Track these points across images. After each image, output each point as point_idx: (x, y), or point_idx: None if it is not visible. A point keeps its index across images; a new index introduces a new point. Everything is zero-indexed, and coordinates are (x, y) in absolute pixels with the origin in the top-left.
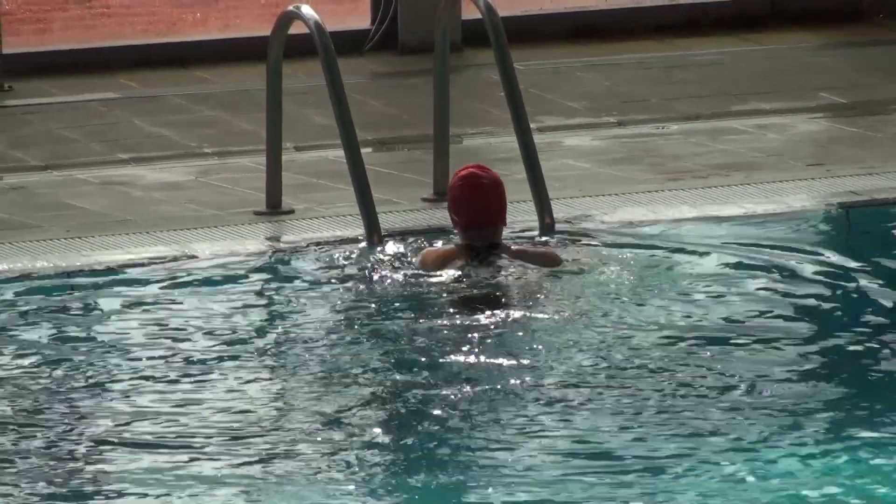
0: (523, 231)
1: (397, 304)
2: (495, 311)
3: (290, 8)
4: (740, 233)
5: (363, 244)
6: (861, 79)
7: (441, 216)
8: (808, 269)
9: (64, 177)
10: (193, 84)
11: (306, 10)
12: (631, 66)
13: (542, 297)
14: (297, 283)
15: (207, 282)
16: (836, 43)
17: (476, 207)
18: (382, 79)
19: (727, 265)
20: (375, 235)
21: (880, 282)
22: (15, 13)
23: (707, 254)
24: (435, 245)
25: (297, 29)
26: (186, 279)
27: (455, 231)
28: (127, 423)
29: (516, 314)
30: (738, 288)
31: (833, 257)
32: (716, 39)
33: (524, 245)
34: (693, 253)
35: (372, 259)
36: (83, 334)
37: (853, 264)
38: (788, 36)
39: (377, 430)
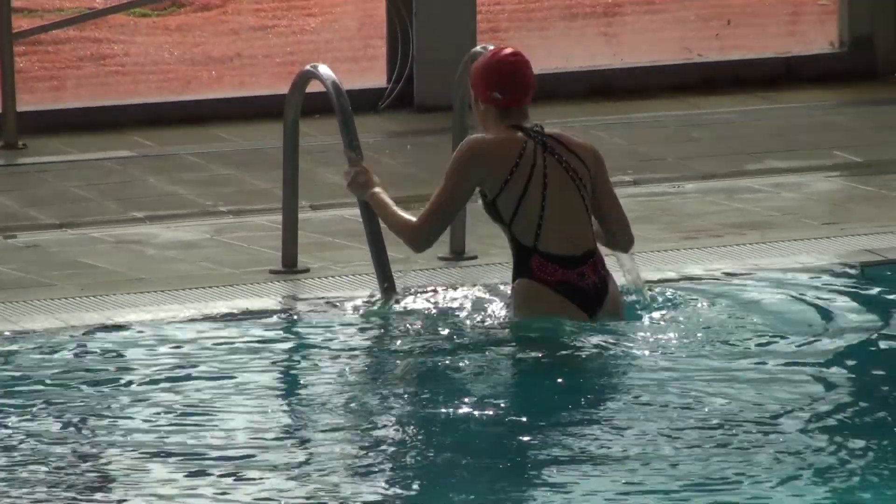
0: None
1: (414, 363)
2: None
3: (308, 67)
4: (755, 291)
5: (379, 302)
6: (876, 137)
7: (460, 275)
8: (824, 328)
9: (78, 235)
10: (209, 142)
11: (323, 69)
12: (647, 125)
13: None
14: (312, 341)
15: (222, 341)
16: (851, 102)
17: (526, 84)
18: (398, 137)
19: (742, 323)
20: (391, 294)
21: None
22: (29, 71)
23: (722, 313)
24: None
25: (312, 87)
26: (201, 338)
27: (481, 110)
28: (137, 483)
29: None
30: (755, 345)
31: (848, 316)
32: (731, 98)
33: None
34: (709, 310)
35: (388, 318)
36: (96, 392)
37: (868, 323)
38: (803, 95)
39: (395, 490)
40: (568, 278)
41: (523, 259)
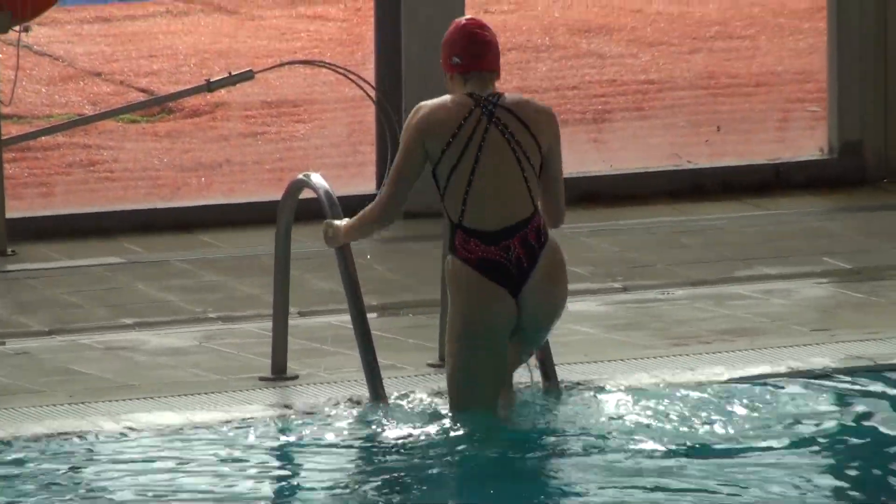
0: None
1: (404, 469)
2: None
3: (301, 176)
4: (744, 397)
5: (369, 408)
6: (866, 244)
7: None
8: (813, 434)
9: (68, 342)
10: (198, 248)
11: (316, 178)
12: (637, 232)
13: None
14: (302, 448)
15: (212, 448)
16: (840, 208)
17: (484, 45)
18: (388, 243)
19: (731, 431)
20: (382, 400)
21: (886, 448)
22: (19, 177)
23: (710, 419)
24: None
25: (303, 195)
26: (191, 445)
27: (449, 82)
28: None
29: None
30: (741, 453)
31: (838, 422)
32: (720, 204)
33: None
34: (696, 418)
35: (378, 424)
36: (86, 501)
37: (858, 429)
38: (793, 201)
39: None
40: (489, 254)
41: (451, 234)
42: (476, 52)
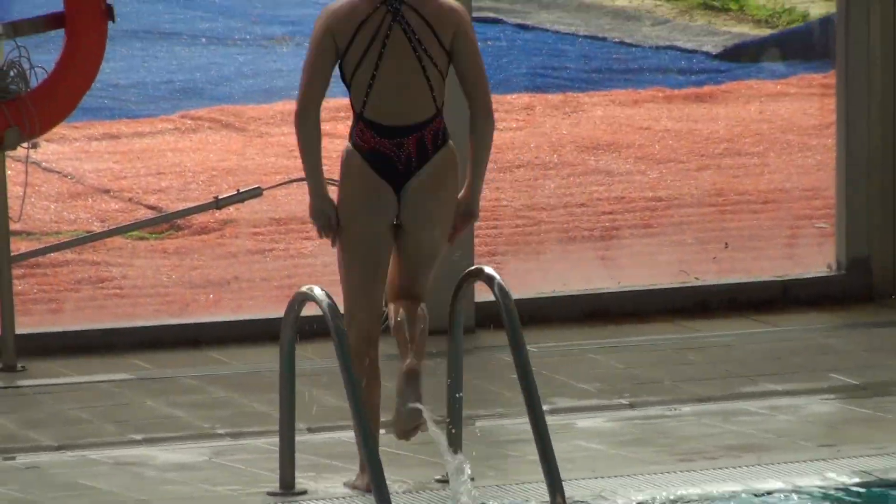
0: None
1: None
2: None
3: (303, 289)
4: None
5: None
6: (872, 360)
7: (452, 495)
8: None
9: (77, 457)
10: (206, 365)
11: (318, 291)
12: (643, 349)
13: None
14: None
15: None
16: (847, 324)
17: None
18: (396, 359)
19: None
20: None
21: None
22: (28, 293)
23: None
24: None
25: (309, 310)
26: None
27: None
28: None
29: None
30: None
31: None
32: (727, 321)
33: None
34: None
35: None
36: None
37: None
38: (799, 317)
39: None
40: (380, 147)
41: (353, 125)
42: None
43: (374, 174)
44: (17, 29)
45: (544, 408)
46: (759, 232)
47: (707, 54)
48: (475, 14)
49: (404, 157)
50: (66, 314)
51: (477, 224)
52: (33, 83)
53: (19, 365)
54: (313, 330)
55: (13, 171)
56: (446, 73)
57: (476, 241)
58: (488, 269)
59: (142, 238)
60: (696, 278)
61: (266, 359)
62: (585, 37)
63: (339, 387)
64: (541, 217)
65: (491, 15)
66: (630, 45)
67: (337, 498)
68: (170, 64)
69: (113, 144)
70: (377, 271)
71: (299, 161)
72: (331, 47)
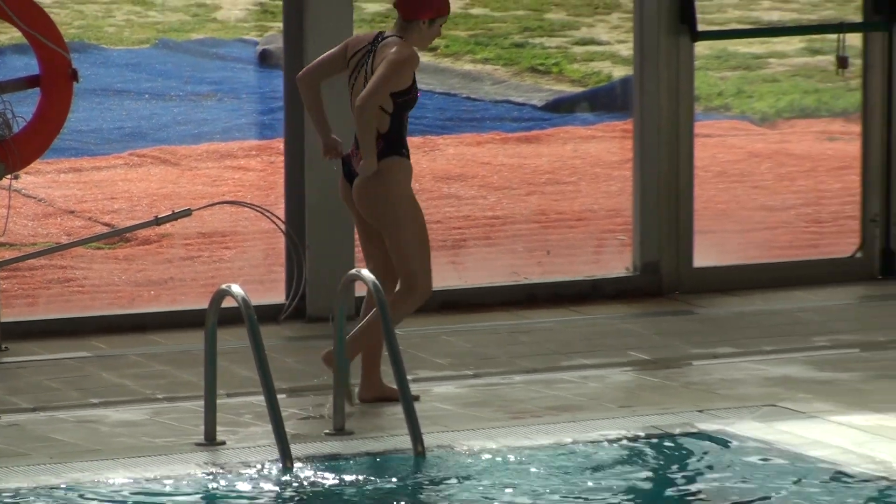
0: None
1: None
2: None
3: (223, 287)
4: (567, 459)
5: (279, 467)
6: (661, 341)
7: (341, 447)
8: (618, 488)
9: (48, 417)
10: (148, 345)
11: (236, 288)
12: (485, 332)
13: None
14: (226, 495)
15: (157, 497)
16: (642, 313)
17: None
18: (294, 342)
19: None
20: (288, 461)
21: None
22: (11, 290)
23: (540, 475)
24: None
25: (228, 303)
26: (141, 495)
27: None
28: None
29: None
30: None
31: (639, 480)
32: (549, 311)
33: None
34: (523, 480)
35: (285, 479)
36: None
37: (655, 486)
38: (605, 308)
39: None
40: (350, 150)
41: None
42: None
43: (342, 171)
44: (3, 87)
45: (408, 377)
46: (573, 242)
47: (534, 106)
48: None
49: (351, 168)
50: (40, 307)
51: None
52: (15, 129)
53: (3, 346)
54: (231, 318)
55: None
56: (386, 105)
57: (355, 248)
58: (365, 271)
59: (98, 248)
60: (526, 278)
61: (194, 340)
62: (440, 93)
63: (251, 361)
64: None
65: None
66: (475, 99)
67: (248, 447)
68: (121, 114)
69: (77, 176)
70: (363, 246)
71: (220, 188)
72: (343, 58)
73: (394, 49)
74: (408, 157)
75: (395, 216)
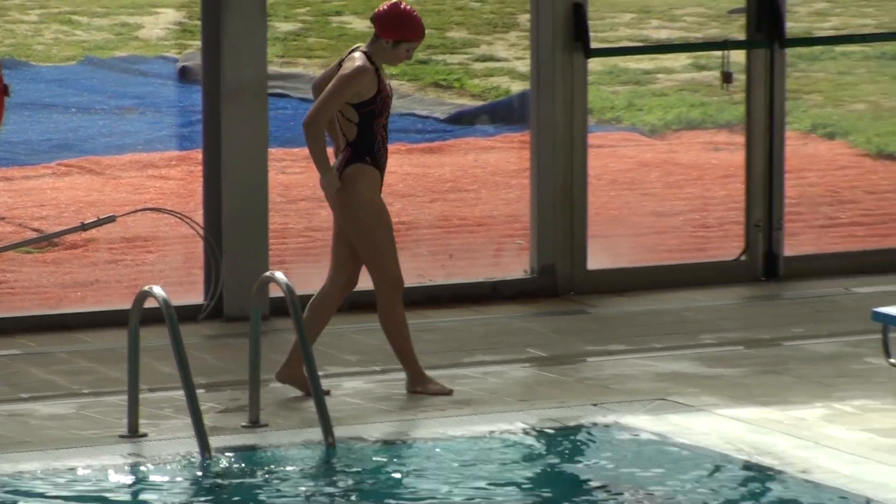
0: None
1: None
2: None
3: (145, 288)
4: (470, 450)
5: (198, 458)
6: (557, 339)
7: (256, 438)
8: (518, 477)
9: None
10: (75, 343)
11: (157, 290)
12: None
13: None
14: (148, 488)
15: (83, 484)
16: (539, 312)
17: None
18: (212, 340)
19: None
20: (207, 452)
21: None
22: None
23: (444, 466)
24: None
25: (150, 304)
26: (68, 482)
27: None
28: None
29: None
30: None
31: (538, 469)
32: (452, 311)
33: None
34: (428, 469)
35: (204, 469)
36: None
37: (553, 475)
38: (505, 308)
39: None
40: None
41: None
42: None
43: None
44: None
45: (319, 373)
46: (474, 246)
47: (437, 119)
48: (270, 91)
49: None
50: None
51: (271, 240)
52: None
53: None
54: (152, 317)
55: None
56: (350, 115)
57: (270, 252)
58: (279, 274)
59: (28, 252)
60: (430, 280)
61: (118, 338)
62: None
63: (171, 358)
64: (317, 236)
65: (280, 91)
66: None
67: (168, 439)
68: (49, 127)
69: (8, 184)
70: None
71: (143, 196)
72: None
73: (348, 64)
74: (375, 163)
75: (360, 221)
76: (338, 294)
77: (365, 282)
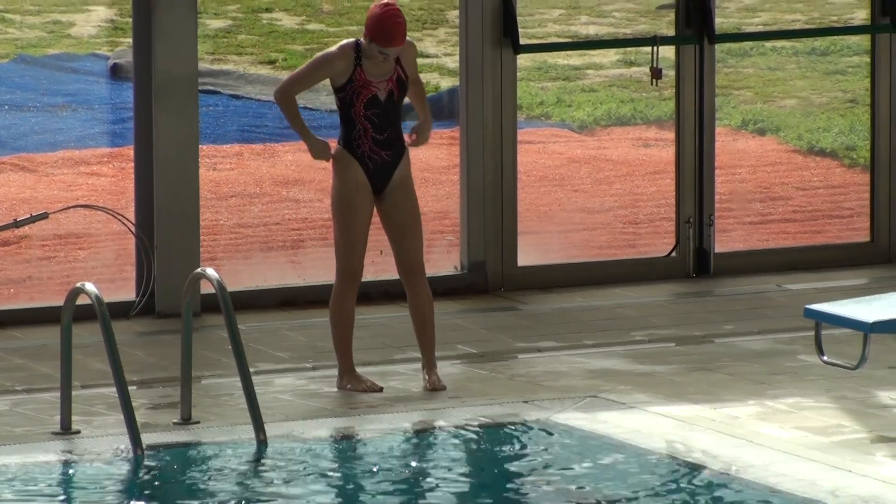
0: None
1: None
2: None
3: (77, 285)
4: (401, 446)
5: (130, 455)
6: (488, 335)
7: (188, 435)
8: (449, 474)
9: None
10: (8, 340)
11: (89, 286)
12: (321, 327)
13: None
14: (79, 484)
15: (16, 482)
16: (469, 309)
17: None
18: (144, 336)
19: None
20: (139, 449)
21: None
22: None
23: (375, 462)
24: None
25: (82, 301)
26: (1, 481)
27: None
28: None
29: None
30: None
31: (469, 466)
32: (383, 307)
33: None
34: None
35: (136, 465)
36: None
37: (484, 471)
38: (436, 304)
39: None
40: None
41: None
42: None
43: None
44: None
45: (250, 370)
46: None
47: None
48: (200, 88)
49: None
50: None
51: (202, 237)
52: None
53: None
54: (85, 314)
55: None
56: (335, 99)
57: (201, 249)
58: (210, 270)
59: None
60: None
61: (51, 335)
62: None
63: (104, 355)
64: (248, 232)
65: (211, 88)
66: (312, 109)
67: (101, 436)
68: None
69: None
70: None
71: (75, 193)
72: None
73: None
74: (351, 151)
75: (332, 203)
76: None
77: (293, 277)
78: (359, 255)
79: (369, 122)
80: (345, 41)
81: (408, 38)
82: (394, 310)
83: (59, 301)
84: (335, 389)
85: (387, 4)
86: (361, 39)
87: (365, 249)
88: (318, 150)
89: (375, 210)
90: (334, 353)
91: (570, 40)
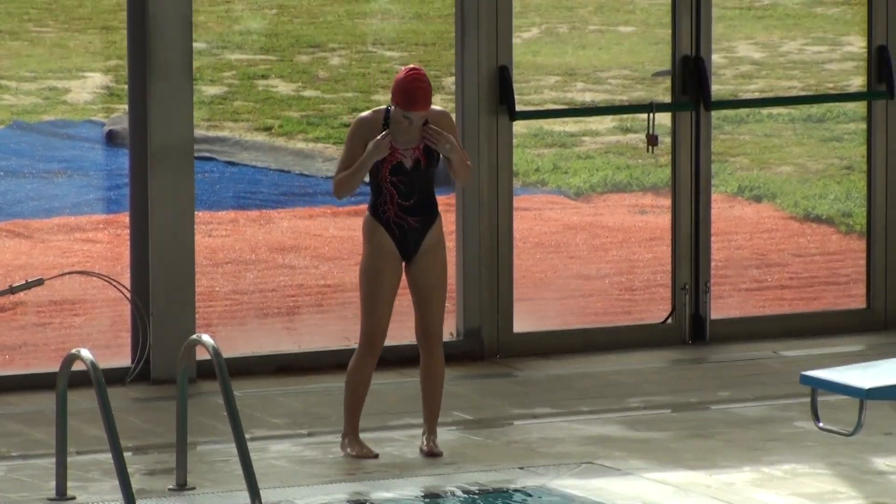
0: None
1: None
2: None
3: (73, 351)
4: None
5: None
6: (483, 402)
7: (183, 501)
8: None
9: None
10: (3, 406)
11: (85, 352)
12: (317, 393)
13: None
14: None
15: None
16: (465, 376)
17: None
18: (140, 402)
19: None
20: None
21: None
22: None
23: None
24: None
25: (78, 367)
26: None
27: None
28: None
29: None
30: None
31: None
32: (378, 374)
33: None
34: None
35: None
36: None
37: None
38: None
39: None
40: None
41: None
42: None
43: None
44: None
45: (246, 436)
46: (399, 309)
47: (363, 182)
48: (196, 154)
49: None
50: None
51: (198, 303)
52: None
53: None
54: (80, 380)
55: None
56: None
57: (196, 315)
58: (206, 336)
59: None
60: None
61: (46, 401)
62: (275, 170)
63: (99, 421)
64: (243, 299)
65: (206, 154)
66: (307, 175)
67: (95, 502)
68: None
69: None
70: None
71: (70, 259)
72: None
73: None
74: (377, 217)
75: (360, 266)
76: (420, 344)
77: (289, 344)
78: (380, 321)
79: (395, 189)
80: (378, 107)
81: (435, 106)
82: (389, 376)
83: (54, 367)
84: (331, 456)
85: (412, 69)
86: (391, 106)
87: (389, 316)
88: (377, 147)
89: (404, 275)
90: (329, 420)
91: (566, 107)
